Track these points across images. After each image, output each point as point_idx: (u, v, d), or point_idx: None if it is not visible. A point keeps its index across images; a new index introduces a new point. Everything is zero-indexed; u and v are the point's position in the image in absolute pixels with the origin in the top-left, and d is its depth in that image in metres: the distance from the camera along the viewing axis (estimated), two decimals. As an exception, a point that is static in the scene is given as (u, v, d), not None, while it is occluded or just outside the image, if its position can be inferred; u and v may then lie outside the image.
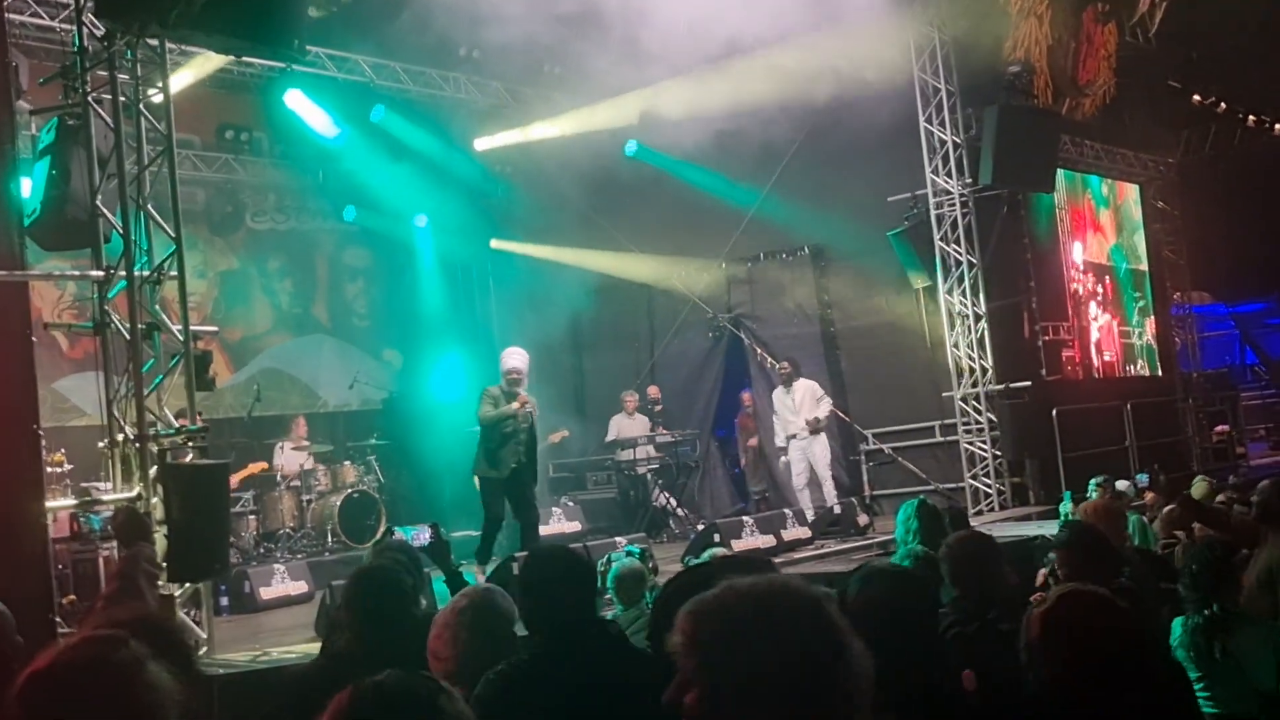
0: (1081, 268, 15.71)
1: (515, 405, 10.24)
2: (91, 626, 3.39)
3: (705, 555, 6.56)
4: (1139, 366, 16.82)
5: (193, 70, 11.31)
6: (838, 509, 12.35)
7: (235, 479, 12.48)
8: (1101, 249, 16.40)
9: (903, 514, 6.09)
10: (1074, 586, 3.19)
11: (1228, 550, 4.61)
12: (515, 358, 10.45)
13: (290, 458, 13.32)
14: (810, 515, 12.25)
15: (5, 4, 7.67)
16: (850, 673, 1.77)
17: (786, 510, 12.19)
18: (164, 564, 6.70)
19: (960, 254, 13.35)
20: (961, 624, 4.01)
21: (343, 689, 2.13)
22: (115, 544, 7.74)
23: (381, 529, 11.98)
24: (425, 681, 1.88)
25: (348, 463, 13.56)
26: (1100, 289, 16.13)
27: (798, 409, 12.85)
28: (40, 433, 7.78)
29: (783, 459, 13.38)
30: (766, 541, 11.12)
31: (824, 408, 12.94)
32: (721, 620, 1.78)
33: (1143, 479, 9.38)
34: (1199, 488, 10.46)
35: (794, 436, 12.90)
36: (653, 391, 14.95)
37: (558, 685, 3.21)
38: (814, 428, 12.72)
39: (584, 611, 3.46)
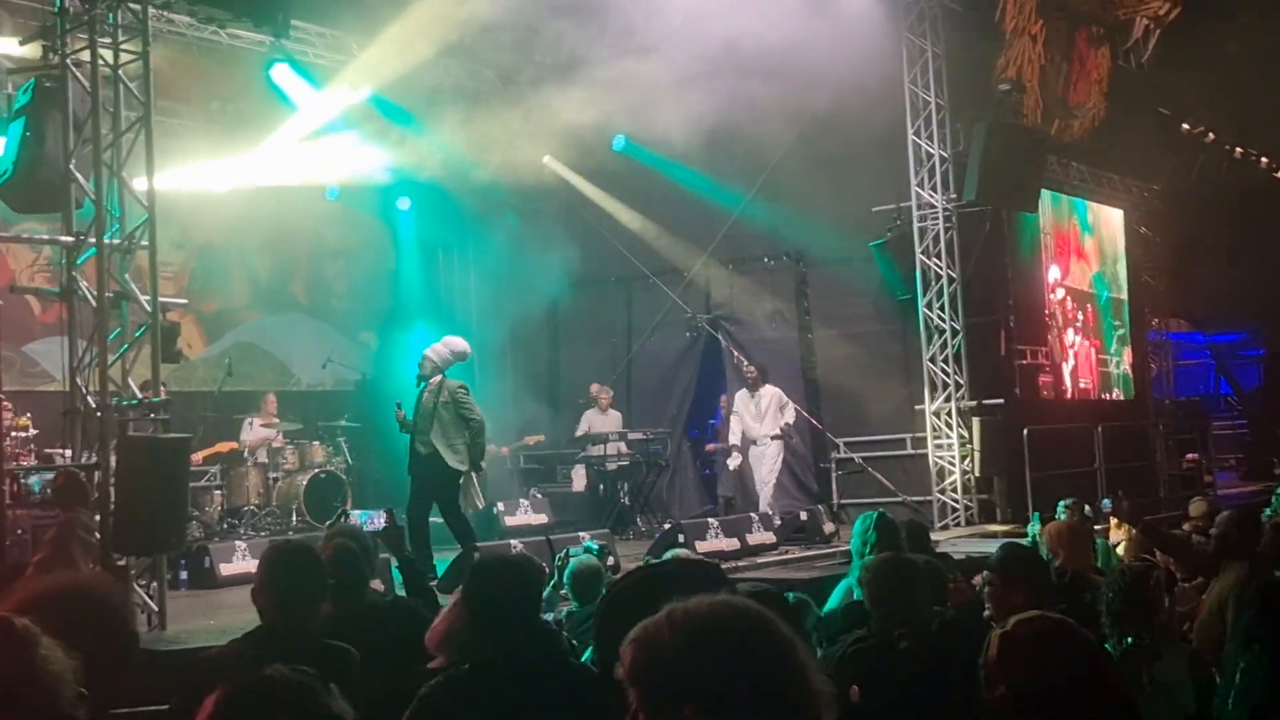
0: (1062, 293, 15.76)
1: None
2: (17, 595, 3.35)
3: (668, 555, 6.53)
4: (1114, 395, 16.88)
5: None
6: (804, 515, 12.35)
7: (201, 455, 12.43)
8: (1084, 275, 16.45)
9: (859, 526, 6.08)
10: (1036, 613, 3.20)
11: (1142, 579, 4.60)
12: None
13: (259, 433, 13.24)
14: (777, 521, 12.33)
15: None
16: (807, 692, 1.72)
17: (753, 514, 12.19)
18: (113, 534, 6.64)
19: (941, 268, 13.36)
20: (862, 641, 4.18)
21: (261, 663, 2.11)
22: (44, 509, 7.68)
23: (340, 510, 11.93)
24: (303, 677, 1.85)
25: (317, 443, 13.48)
26: (1080, 315, 16.17)
27: (762, 415, 12.96)
28: (2, 396, 7.72)
29: (732, 462, 13.48)
30: (731, 545, 11.09)
31: (789, 414, 13.05)
32: (666, 649, 1.73)
33: (1106, 504, 9.40)
34: (1196, 507, 10.55)
35: (754, 442, 13.03)
36: (595, 389, 14.93)
37: (495, 698, 3.18)
38: (781, 434, 12.87)
39: (528, 623, 3.41)
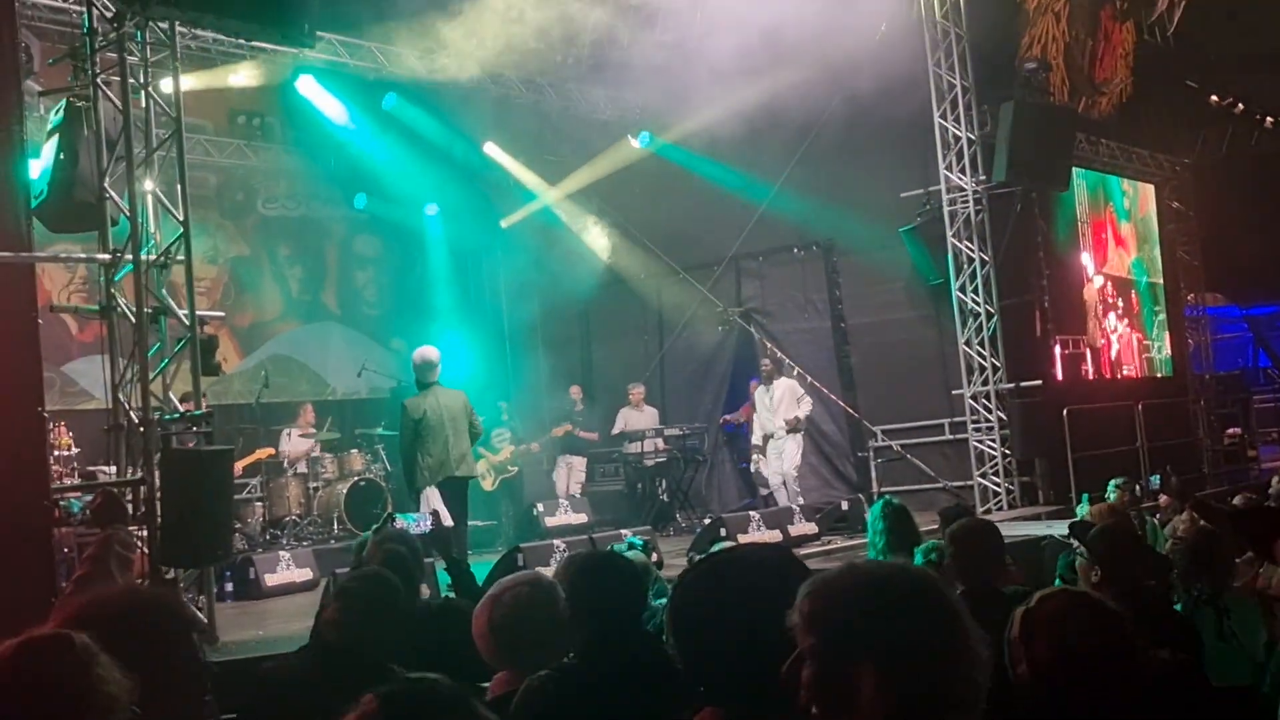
0: (1102, 280, 15.61)
1: None
2: (61, 612, 3.37)
3: (716, 549, 6.49)
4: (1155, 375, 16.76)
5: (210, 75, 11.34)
6: (845, 505, 12.31)
7: (240, 465, 12.49)
8: (1123, 262, 16.31)
9: (870, 515, 6.05)
10: (1059, 588, 3.18)
11: (1210, 537, 4.65)
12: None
13: (297, 444, 13.31)
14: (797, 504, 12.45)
15: (15, -16, 7.64)
16: (972, 654, 1.78)
17: (794, 506, 12.16)
18: (161, 547, 6.67)
19: (973, 251, 13.26)
20: None
21: (327, 682, 2.09)
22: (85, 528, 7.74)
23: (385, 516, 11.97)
24: (452, 686, 1.84)
25: (355, 451, 13.53)
26: (1122, 302, 16.03)
27: (775, 408, 12.98)
28: (46, 415, 7.77)
29: (755, 458, 13.48)
30: (773, 537, 11.08)
31: (804, 407, 13.04)
32: (849, 602, 1.80)
33: (1155, 481, 9.30)
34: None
35: (771, 436, 13.02)
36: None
37: (596, 697, 3.21)
38: (791, 427, 12.83)
39: (628, 623, 3.45)
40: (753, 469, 13.78)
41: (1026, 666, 2.87)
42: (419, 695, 1.79)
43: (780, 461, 13.04)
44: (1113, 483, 8.85)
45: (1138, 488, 9.13)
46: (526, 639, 3.47)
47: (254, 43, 10.35)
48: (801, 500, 12.72)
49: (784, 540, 11.09)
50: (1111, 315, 15.76)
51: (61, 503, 9.04)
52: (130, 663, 2.29)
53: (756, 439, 13.36)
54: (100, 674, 2.14)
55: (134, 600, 2.63)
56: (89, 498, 8.17)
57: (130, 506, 7.22)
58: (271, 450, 12.92)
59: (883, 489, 13.79)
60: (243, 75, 12.29)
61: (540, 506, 13.27)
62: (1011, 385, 13.14)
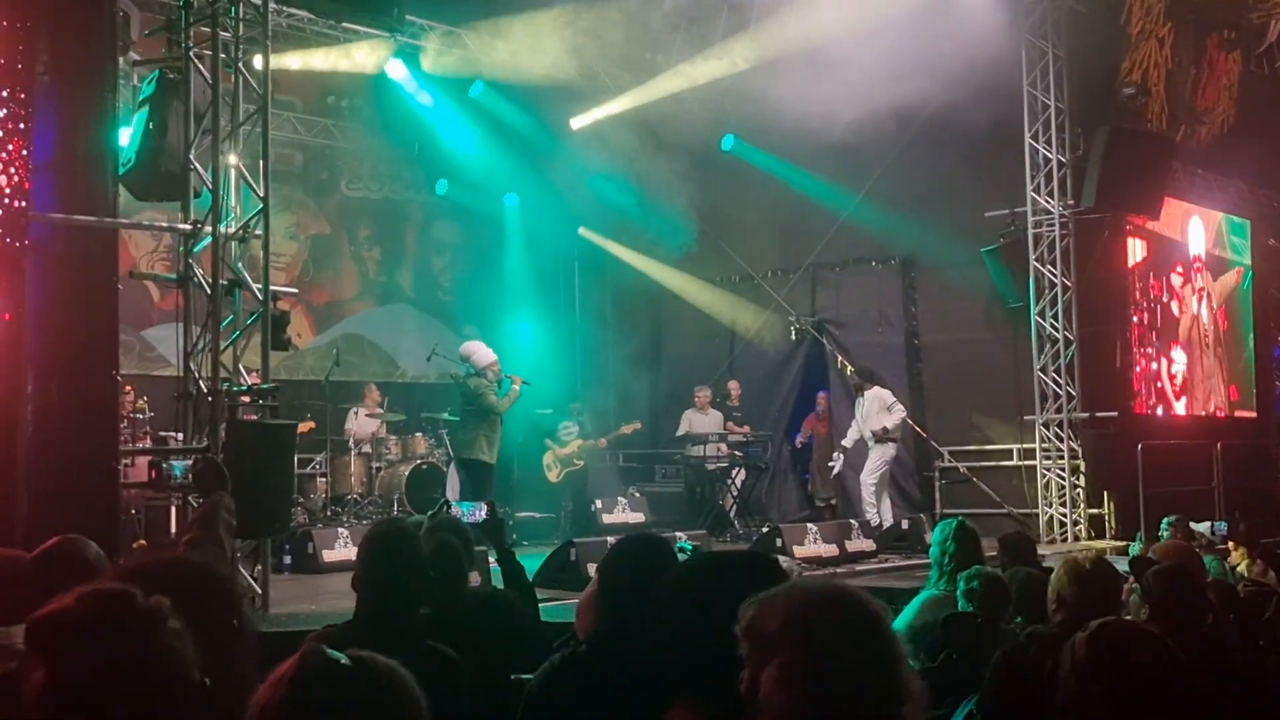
0: (1189, 313, 15.22)
1: (515, 388, 11.71)
2: (110, 575, 3.39)
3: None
4: (1236, 414, 16.30)
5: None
6: (905, 524, 12.14)
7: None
8: (1212, 292, 15.89)
9: (939, 534, 5.85)
10: (1114, 618, 3.14)
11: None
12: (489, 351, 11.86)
13: (363, 424, 13.44)
14: (881, 518, 12.39)
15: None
16: (881, 678, 1.93)
17: (853, 520, 12.02)
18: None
19: (1055, 276, 13.00)
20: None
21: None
22: (185, 493, 7.85)
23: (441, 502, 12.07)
24: (382, 665, 1.82)
25: (419, 434, 13.63)
26: (1208, 338, 15.62)
27: (865, 418, 12.84)
28: (119, 378, 7.92)
29: (835, 465, 13.42)
30: (829, 550, 10.97)
31: (895, 416, 12.82)
32: (770, 611, 1.97)
33: (1222, 527, 9.04)
34: None
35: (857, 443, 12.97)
36: (733, 387, 14.81)
37: (605, 678, 3.14)
38: (878, 437, 12.68)
39: (642, 609, 3.36)
40: (834, 470, 13.63)
41: (1081, 694, 2.83)
42: (339, 675, 1.76)
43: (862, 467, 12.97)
44: (1165, 521, 8.62)
45: (1207, 527, 8.87)
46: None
47: (345, 24, 10.48)
48: (870, 512, 12.51)
49: (840, 555, 10.99)
50: (1196, 350, 15.35)
51: (164, 465, 9.21)
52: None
53: (849, 441, 13.26)
54: (169, 637, 2.12)
55: (183, 565, 2.63)
56: (188, 462, 8.31)
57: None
58: (314, 424, 12.91)
59: (946, 510, 13.57)
60: (334, 58, 12.45)
61: (599, 503, 13.27)
62: (1086, 415, 12.86)
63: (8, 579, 3.37)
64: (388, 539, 3.87)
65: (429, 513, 5.63)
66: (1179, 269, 15.26)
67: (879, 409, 12.91)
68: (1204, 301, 15.63)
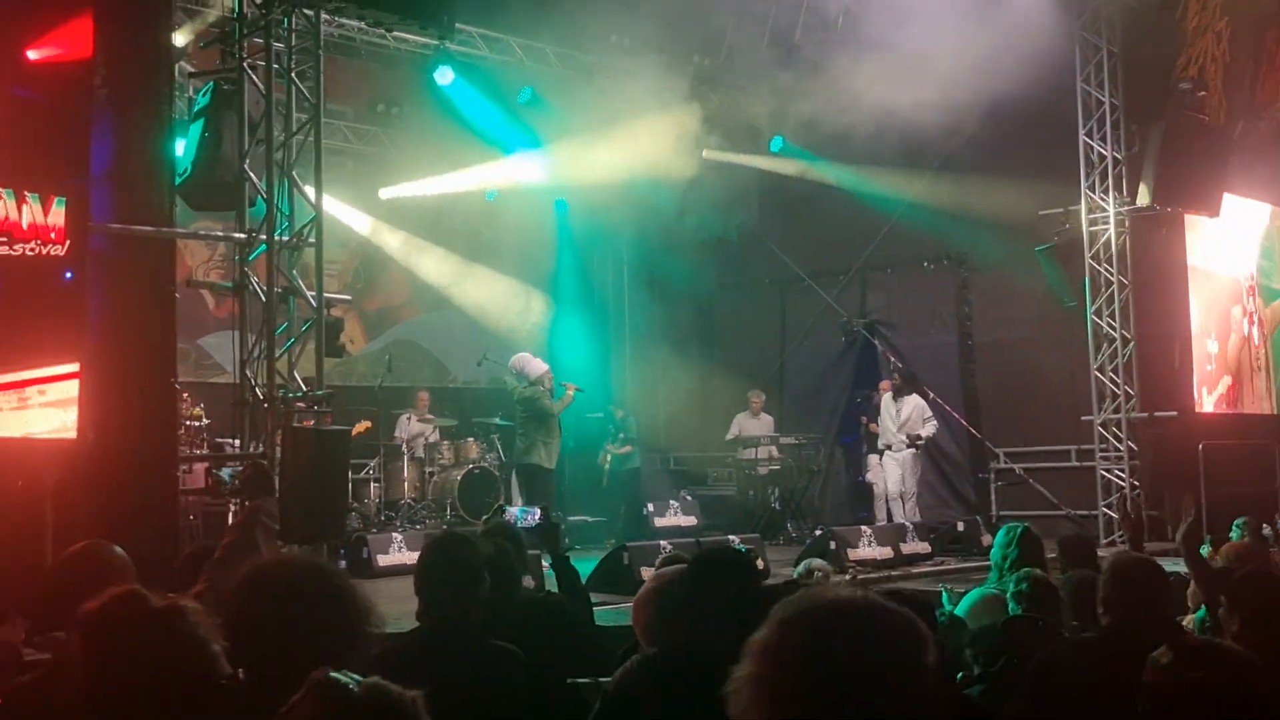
0: (1243, 330, 14.88)
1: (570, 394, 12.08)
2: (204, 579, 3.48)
3: (800, 567, 6.36)
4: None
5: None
6: (961, 526, 12.02)
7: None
8: (1271, 320, 15.52)
9: (1002, 537, 5.83)
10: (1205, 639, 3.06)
11: None
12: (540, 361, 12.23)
13: (415, 429, 13.53)
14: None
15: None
16: (877, 688, 1.79)
17: (907, 523, 11.92)
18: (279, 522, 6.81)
19: (1112, 275, 12.82)
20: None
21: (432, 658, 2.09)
22: (235, 498, 7.94)
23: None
24: (394, 691, 1.84)
25: (471, 439, 13.70)
26: (1262, 356, 15.26)
27: (901, 423, 12.78)
28: (177, 385, 8.03)
29: (867, 472, 13.40)
30: (884, 553, 10.88)
31: (929, 428, 12.83)
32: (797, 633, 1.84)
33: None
34: None
35: (889, 447, 12.91)
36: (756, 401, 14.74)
37: (678, 683, 3.22)
38: (912, 443, 12.75)
39: (726, 617, 3.40)
40: (870, 470, 13.60)
41: (1162, 701, 2.78)
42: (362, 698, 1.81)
43: (897, 473, 12.86)
44: (1236, 523, 8.46)
45: (1266, 528, 8.69)
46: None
47: (395, 32, 10.54)
48: (918, 518, 12.47)
49: (894, 557, 10.90)
50: (1246, 371, 14.99)
51: (215, 472, 9.35)
52: (292, 625, 2.39)
53: (880, 444, 13.22)
54: (184, 635, 2.19)
55: (295, 565, 2.71)
56: (239, 468, 8.42)
57: (250, 480, 7.40)
58: (369, 424, 12.99)
59: (1001, 513, 13.43)
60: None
61: (651, 506, 13.27)
62: (1145, 415, 12.67)
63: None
64: (448, 545, 3.92)
65: (485, 518, 5.67)
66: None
67: (919, 417, 12.90)
68: (1254, 325, 15.27)
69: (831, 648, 1.79)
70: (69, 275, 6.94)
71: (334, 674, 1.86)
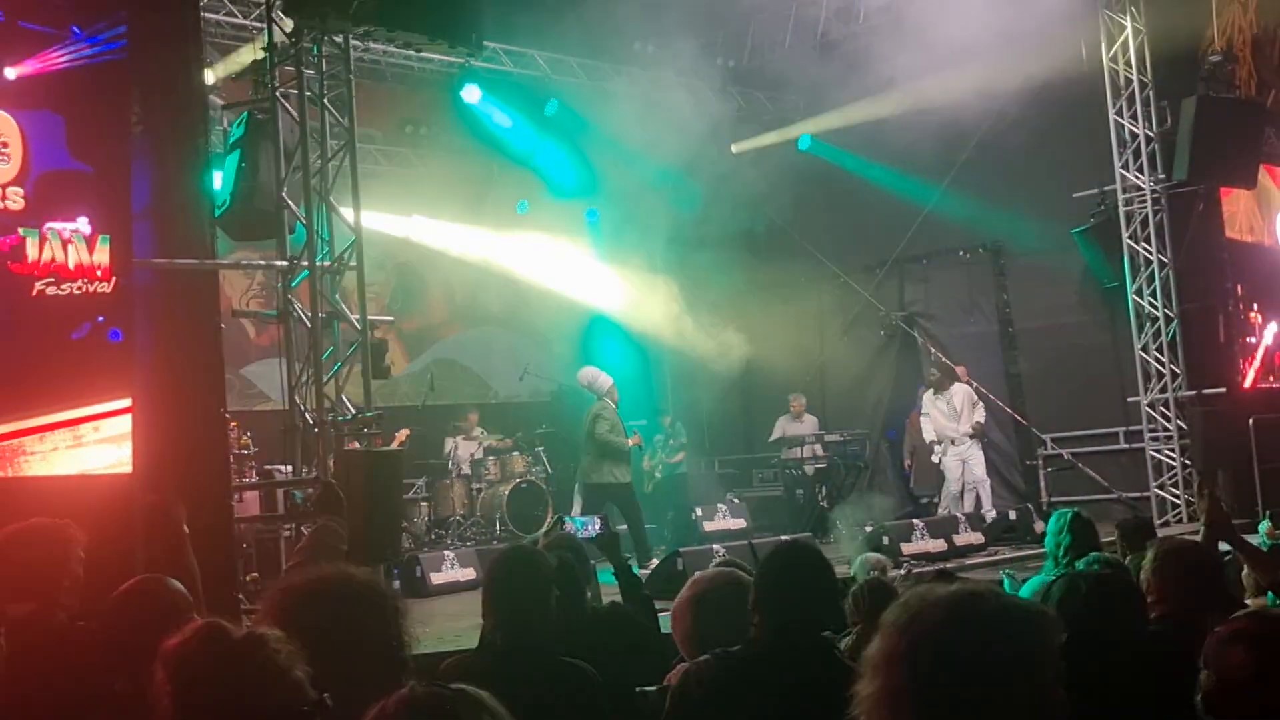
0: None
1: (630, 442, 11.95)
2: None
3: (857, 562, 6.35)
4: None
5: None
6: (1013, 515, 11.94)
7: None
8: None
9: (1053, 525, 5.80)
10: (1254, 610, 3.05)
11: None
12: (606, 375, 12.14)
13: (464, 448, 13.61)
14: (992, 513, 12.20)
15: (201, 3, 7.98)
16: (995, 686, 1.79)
17: (959, 515, 11.85)
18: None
19: (1150, 253, 12.70)
20: None
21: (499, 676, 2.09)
22: (293, 524, 8.00)
23: (549, 518, 12.13)
24: (477, 695, 1.87)
25: (517, 453, 13.74)
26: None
27: (958, 413, 12.64)
28: (227, 416, 8.08)
29: (937, 459, 13.18)
30: (937, 546, 10.84)
31: (980, 413, 12.72)
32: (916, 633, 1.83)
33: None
34: None
35: (953, 442, 12.75)
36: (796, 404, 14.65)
37: (762, 684, 3.24)
38: (976, 432, 12.68)
39: (809, 615, 3.43)
40: (935, 461, 13.43)
41: (1219, 682, 2.74)
42: (443, 700, 1.84)
43: (967, 469, 12.74)
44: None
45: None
46: (728, 641, 3.49)
47: (423, 53, 10.62)
48: (994, 512, 12.31)
49: (948, 549, 10.84)
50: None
51: (293, 496, 9.42)
52: (342, 644, 2.43)
53: (930, 435, 13.07)
54: (269, 663, 2.23)
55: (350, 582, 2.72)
56: (310, 490, 8.48)
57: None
58: (409, 430, 13.00)
59: (1052, 499, 13.32)
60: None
61: (699, 511, 13.25)
62: (1193, 392, 12.54)
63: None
64: (518, 560, 3.91)
65: (543, 530, 5.68)
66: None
67: (969, 404, 12.78)
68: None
69: (966, 647, 1.75)
70: (117, 336, 7.00)
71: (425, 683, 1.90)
